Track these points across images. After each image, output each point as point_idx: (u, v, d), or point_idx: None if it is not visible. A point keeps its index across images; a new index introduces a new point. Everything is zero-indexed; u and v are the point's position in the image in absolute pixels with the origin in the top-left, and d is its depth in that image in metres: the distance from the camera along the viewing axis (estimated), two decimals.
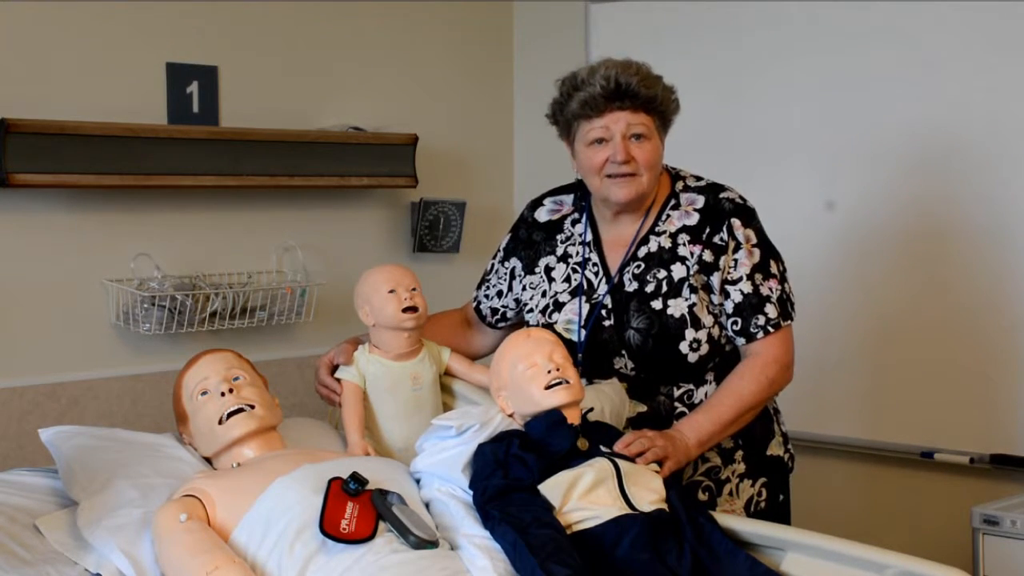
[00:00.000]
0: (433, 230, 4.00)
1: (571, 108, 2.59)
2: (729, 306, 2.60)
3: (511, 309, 2.83)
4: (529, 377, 2.36)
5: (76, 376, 3.29)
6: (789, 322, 2.63)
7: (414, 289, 2.63)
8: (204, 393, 2.47)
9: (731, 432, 2.60)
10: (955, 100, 3.48)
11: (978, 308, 3.47)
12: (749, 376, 2.58)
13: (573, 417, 2.35)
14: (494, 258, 2.86)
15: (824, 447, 3.77)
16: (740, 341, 2.61)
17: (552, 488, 2.23)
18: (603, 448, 2.32)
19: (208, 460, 2.50)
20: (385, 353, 2.63)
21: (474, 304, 2.90)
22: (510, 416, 2.41)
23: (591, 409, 2.43)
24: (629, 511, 2.21)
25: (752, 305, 2.58)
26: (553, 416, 2.33)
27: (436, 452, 2.38)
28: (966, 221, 3.48)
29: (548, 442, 2.30)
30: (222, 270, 3.55)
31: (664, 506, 2.27)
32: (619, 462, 2.28)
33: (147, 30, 3.42)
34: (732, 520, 2.39)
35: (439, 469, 2.36)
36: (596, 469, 2.25)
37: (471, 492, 2.29)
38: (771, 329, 2.58)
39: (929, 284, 3.54)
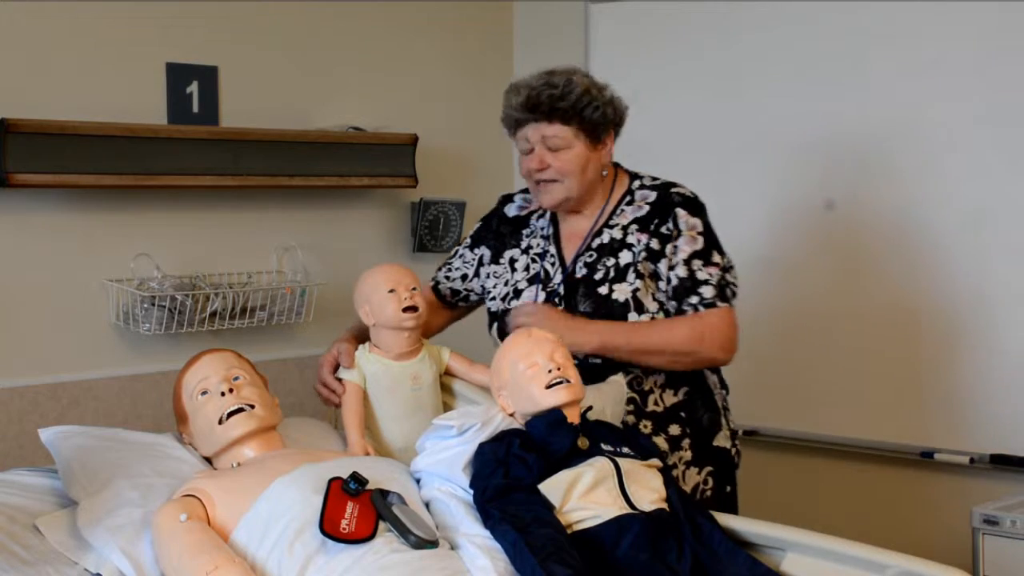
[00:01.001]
0: (433, 230, 4.00)
1: (504, 120, 2.78)
2: (669, 291, 2.71)
3: (475, 293, 2.96)
4: (530, 376, 2.36)
5: (76, 376, 3.29)
6: (727, 305, 2.71)
7: (414, 289, 2.64)
8: (204, 393, 2.47)
9: (638, 360, 2.66)
10: (954, 100, 3.48)
11: (979, 308, 3.47)
12: (686, 323, 2.68)
13: (573, 416, 2.35)
14: (460, 244, 2.99)
15: (824, 447, 3.77)
16: None
17: (552, 487, 2.23)
18: (604, 447, 2.32)
19: (208, 460, 2.50)
20: (385, 353, 2.63)
21: (432, 284, 3.00)
22: (511, 415, 2.41)
23: (590, 407, 2.43)
24: (629, 510, 2.21)
25: (686, 288, 2.69)
26: (553, 415, 2.33)
27: (437, 451, 2.38)
28: (967, 222, 3.48)
29: (548, 441, 2.30)
30: (222, 270, 3.55)
31: (664, 506, 2.27)
32: (619, 461, 2.28)
33: (147, 30, 3.43)
34: (732, 520, 2.39)
35: (439, 468, 2.36)
36: (596, 468, 2.25)
37: (471, 491, 2.29)
38: (702, 308, 2.68)
39: (929, 284, 3.54)
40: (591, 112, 2.70)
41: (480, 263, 2.92)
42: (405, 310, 2.59)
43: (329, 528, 2.12)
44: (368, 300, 2.63)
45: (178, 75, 3.48)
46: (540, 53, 4.21)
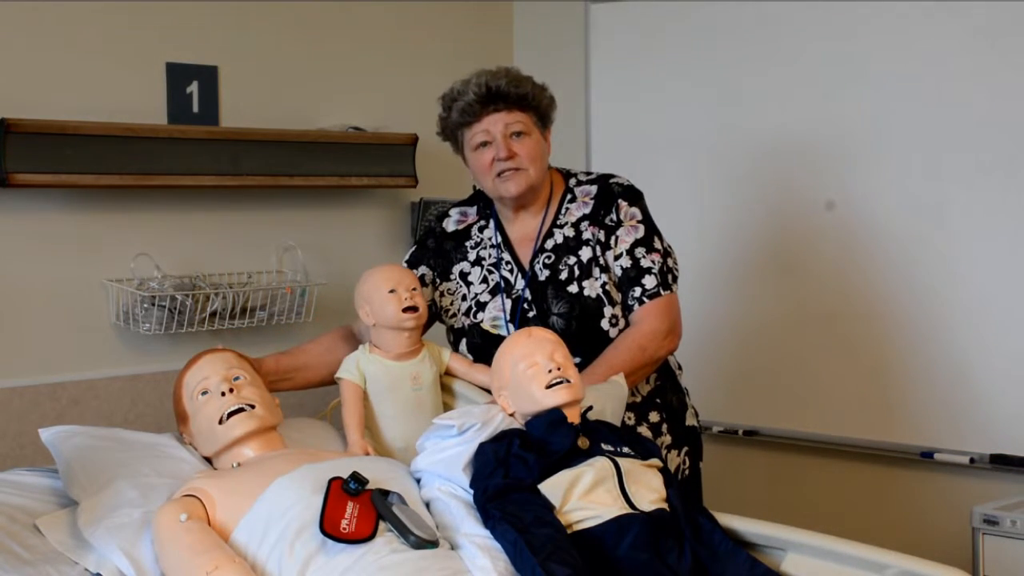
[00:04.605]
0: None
1: (453, 119, 2.80)
2: (615, 280, 2.76)
3: None
4: (530, 376, 2.36)
5: (76, 376, 3.29)
6: (669, 292, 2.76)
7: (414, 289, 2.64)
8: (204, 393, 2.47)
9: None
10: (955, 100, 3.48)
11: (980, 308, 3.47)
12: (622, 346, 2.72)
13: (573, 416, 2.35)
14: None
15: (825, 447, 3.78)
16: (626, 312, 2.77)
17: (552, 487, 2.23)
18: (604, 447, 2.32)
19: (208, 460, 2.50)
20: (385, 353, 2.63)
21: None
22: (511, 415, 2.41)
23: (590, 407, 2.43)
24: (629, 510, 2.21)
25: (631, 278, 2.75)
26: (553, 415, 2.33)
27: (437, 451, 2.38)
28: (967, 222, 3.48)
29: (549, 441, 2.30)
30: (222, 270, 3.55)
31: (664, 505, 2.27)
32: (619, 461, 2.28)
33: (147, 30, 3.42)
34: (732, 520, 2.39)
35: (440, 468, 2.36)
36: (596, 468, 2.25)
37: (471, 491, 2.29)
38: (646, 299, 2.73)
39: (930, 284, 3.54)
40: (542, 100, 2.78)
41: (421, 283, 2.84)
42: (405, 310, 2.60)
43: (329, 528, 2.12)
44: (368, 300, 2.63)
45: (178, 75, 3.48)
46: (540, 53, 4.21)
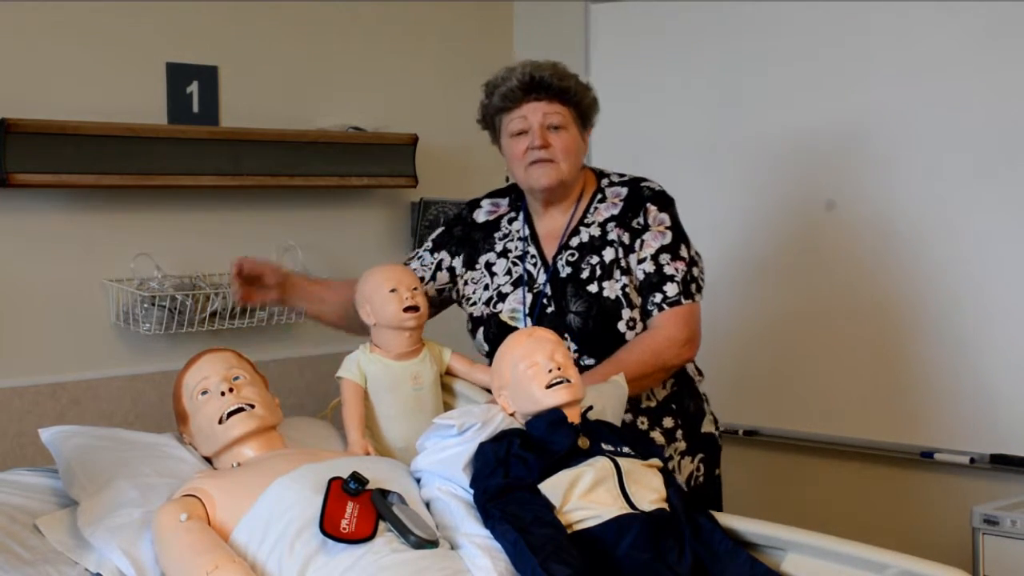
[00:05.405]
0: (433, 230, 3.99)
1: (493, 104, 2.79)
2: (637, 285, 2.73)
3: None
4: (530, 376, 2.36)
5: (76, 376, 3.30)
6: (690, 301, 2.73)
7: (415, 288, 2.64)
8: (204, 392, 2.47)
9: None
10: (955, 101, 3.48)
11: (980, 308, 3.47)
12: (635, 349, 2.70)
13: (574, 416, 2.35)
14: (420, 247, 2.98)
15: (824, 447, 3.78)
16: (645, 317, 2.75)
17: (552, 487, 2.23)
18: (604, 447, 2.32)
19: (208, 460, 2.50)
20: (386, 352, 2.63)
21: None
22: (511, 415, 2.41)
23: (591, 407, 2.43)
24: (629, 510, 2.21)
25: (652, 284, 2.72)
26: (554, 415, 2.33)
27: (437, 451, 2.38)
28: (968, 222, 3.48)
29: (549, 441, 2.30)
30: (222, 270, 3.54)
31: (665, 505, 2.27)
32: (620, 461, 2.28)
33: (147, 30, 3.43)
34: (732, 520, 2.39)
35: (440, 468, 2.35)
36: (596, 468, 2.25)
37: (472, 491, 2.29)
38: (666, 307, 2.71)
39: (930, 284, 3.54)
40: (584, 97, 2.77)
41: (438, 267, 2.90)
42: (406, 310, 2.60)
43: (329, 528, 2.12)
44: (369, 300, 2.63)
45: (178, 75, 3.48)
46: (540, 53, 4.14)
